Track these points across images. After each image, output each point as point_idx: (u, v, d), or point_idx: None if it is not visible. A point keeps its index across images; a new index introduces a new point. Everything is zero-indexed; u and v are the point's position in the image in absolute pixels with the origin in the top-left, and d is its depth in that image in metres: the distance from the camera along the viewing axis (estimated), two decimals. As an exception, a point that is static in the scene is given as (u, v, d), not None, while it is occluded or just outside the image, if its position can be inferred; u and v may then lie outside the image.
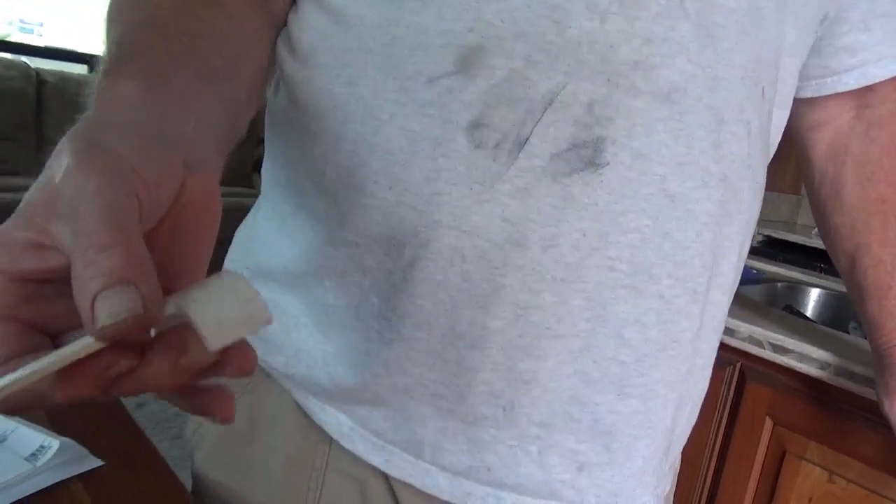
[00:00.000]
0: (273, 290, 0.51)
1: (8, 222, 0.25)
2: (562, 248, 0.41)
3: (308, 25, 0.45)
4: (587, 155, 0.40)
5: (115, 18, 0.37)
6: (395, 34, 0.41)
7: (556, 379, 0.44)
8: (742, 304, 1.01)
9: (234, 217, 0.58)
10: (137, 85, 0.31)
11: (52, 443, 0.47)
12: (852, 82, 0.58)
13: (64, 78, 3.55)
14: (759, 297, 1.20)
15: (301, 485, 0.51)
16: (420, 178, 0.41)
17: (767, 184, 0.51)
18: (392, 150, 0.42)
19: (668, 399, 0.48)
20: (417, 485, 0.48)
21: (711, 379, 0.54)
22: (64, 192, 0.25)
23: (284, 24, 0.48)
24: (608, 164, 0.40)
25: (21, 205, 0.25)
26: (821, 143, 0.63)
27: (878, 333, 0.64)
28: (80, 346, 0.23)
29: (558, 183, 0.40)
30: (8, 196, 2.98)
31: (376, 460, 0.48)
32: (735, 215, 0.46)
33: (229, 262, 0.56)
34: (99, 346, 0.24)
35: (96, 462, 0.48)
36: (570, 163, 0.40)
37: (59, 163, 0.25)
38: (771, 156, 0.52)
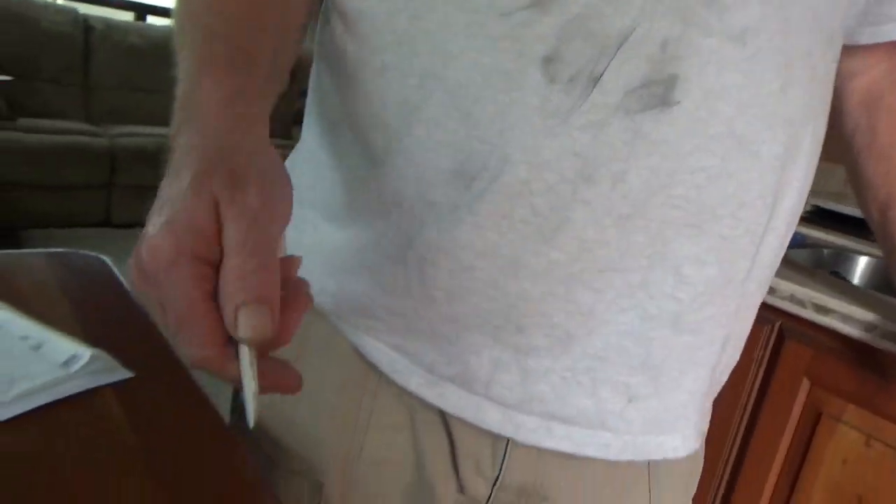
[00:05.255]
0: (319, 226, 0.51)
1: (194, 200, 0.31)
2: (630, 184, 0.41)
3: None
4: (659, 93, 0.39)
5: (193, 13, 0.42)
6: None
7: (614, 313, 0.44)
8: (786, 264, 0.98)
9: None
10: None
11: (85, 352, 0.48)
12: None
13: (110, 25, 3.57)
14: (804, 261, 1.16)
15: (352, 406, 0.51)
16: (493, 111, 0.40)
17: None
18: (463, 83, 0.41)
19: (716, 337, 0.48)
20: (469, 418, 0.48)
21: (749, 336, 0.53)
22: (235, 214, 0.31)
23: None
24: (679, 102, 0.40)
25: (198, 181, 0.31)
26: (856, 93, 0.61)
27: None
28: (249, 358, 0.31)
29: (630, 119, 0.40)
30: (56, 138, 3.04)
31: (428, 395, 0.48)
32: (797, 158, 0.46)
33: None
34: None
35: (127, 373, 0.48)
36: (643, 100, 0.39)
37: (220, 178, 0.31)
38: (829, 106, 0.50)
